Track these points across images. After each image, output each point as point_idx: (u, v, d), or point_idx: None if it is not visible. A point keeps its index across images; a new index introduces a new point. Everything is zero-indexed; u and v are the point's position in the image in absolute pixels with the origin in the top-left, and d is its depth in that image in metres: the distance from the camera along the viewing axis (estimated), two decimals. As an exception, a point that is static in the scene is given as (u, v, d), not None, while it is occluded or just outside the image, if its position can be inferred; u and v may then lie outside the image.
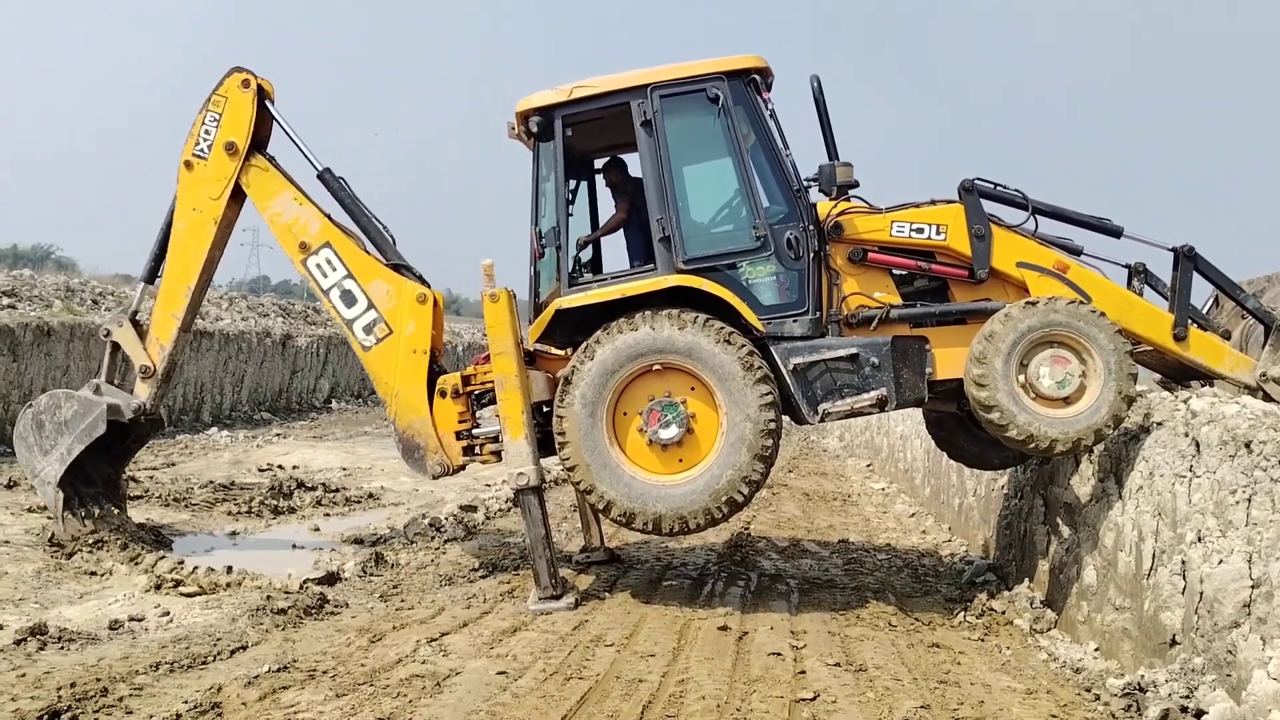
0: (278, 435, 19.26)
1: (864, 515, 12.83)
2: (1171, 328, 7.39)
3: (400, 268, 8.71)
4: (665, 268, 7.52)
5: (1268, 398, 7.08)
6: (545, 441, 7.83)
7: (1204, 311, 7.75)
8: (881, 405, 7.39)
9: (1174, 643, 5.57)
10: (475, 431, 8.18)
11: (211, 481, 12.85)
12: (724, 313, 7.42)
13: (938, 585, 8.70)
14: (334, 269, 8.64)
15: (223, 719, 5.16)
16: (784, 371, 7.39)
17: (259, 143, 8.98)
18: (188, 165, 8.91)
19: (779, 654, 6.48)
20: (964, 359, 7.29)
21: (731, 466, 7.25)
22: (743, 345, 7.26)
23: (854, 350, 7.38)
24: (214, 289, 28.94)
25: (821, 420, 7.45)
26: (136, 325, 9.24)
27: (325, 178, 8.93)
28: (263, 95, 8.90)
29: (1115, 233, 7.57)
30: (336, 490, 12.79)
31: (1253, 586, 4.94)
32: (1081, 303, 7.07)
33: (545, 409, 7.84)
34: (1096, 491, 6.99)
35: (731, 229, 7.79)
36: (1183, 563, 5.56)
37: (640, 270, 7.74)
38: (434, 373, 8.46)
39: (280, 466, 14.86)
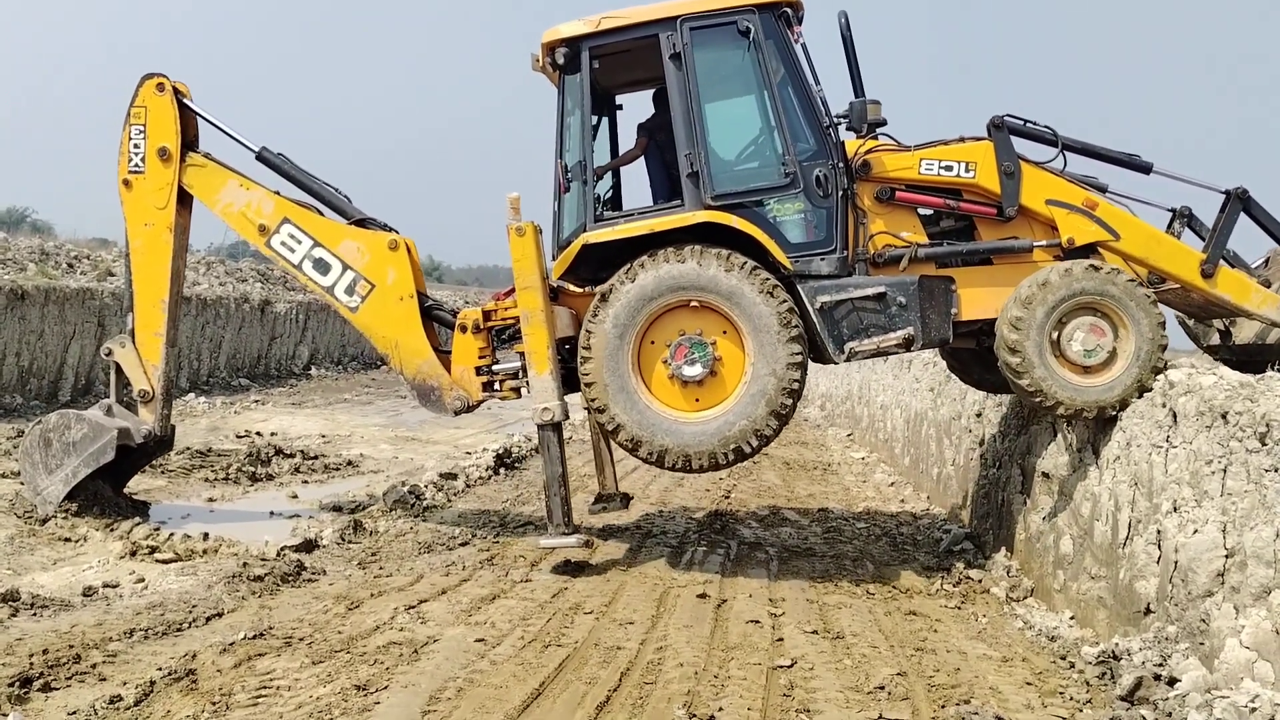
0: (256, 402, 19.15)
1: (844, 484, 12.87)
2: (1200, 264, 7.33)
3: (364, 222, 8.71)
4: (693, 203, 7.45)
5: None
6: (567, 378, 7.83)
7: (1253, 267, 7.65)
8: (908, 344, 7.35)
9: (1148, 611, 5.61)
10: (495, 367, 8.24)
11: (189, 448, 12.74)
12: (751, 250, 7.36)
13: (915, 554, 8.75)
14: (299, 242, 8.62)
15: (197, 686, 5.12)
16: (810, 310, 7.34)
17: (189, 143, 8.92)
18: (126, 184, 8.83)
19: (757, 621, 6.51)
20: (989, 300, 7.32)
21: (746, 417, 7.26)
22: (784, 300, 7.21)
23: (881, 289, 7.32)
24: (192, 253, 28.63)
25: (847, 359, 7.42)
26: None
27: (264, 156, 8.87)
28: (179, 95, 8.82)
29: (1144, 169, 7.51)
30: (315, 457, 12.74)
31: (1227, 556, 4.97)
32: (1141, 283, 7.00)
33: (567, 346, 7.88)
34: (1074, 461, 7.02)
35: (760, 165, 7.72)
36: (1158, 532, 5.59)
37: (667, 206, 7.67)
38: (426, 310, 8.54)
39: (258, 433, 14.78)
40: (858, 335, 7.36)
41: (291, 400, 20.04)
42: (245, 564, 7.47)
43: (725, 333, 7.36)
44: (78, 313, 16.40)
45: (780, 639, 6.20)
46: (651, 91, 8.60)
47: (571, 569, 7.71)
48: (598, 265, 7.72)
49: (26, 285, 15.62)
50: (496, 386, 8.28)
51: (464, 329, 8.30)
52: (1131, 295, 6.90)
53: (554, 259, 7.99)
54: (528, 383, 8.00)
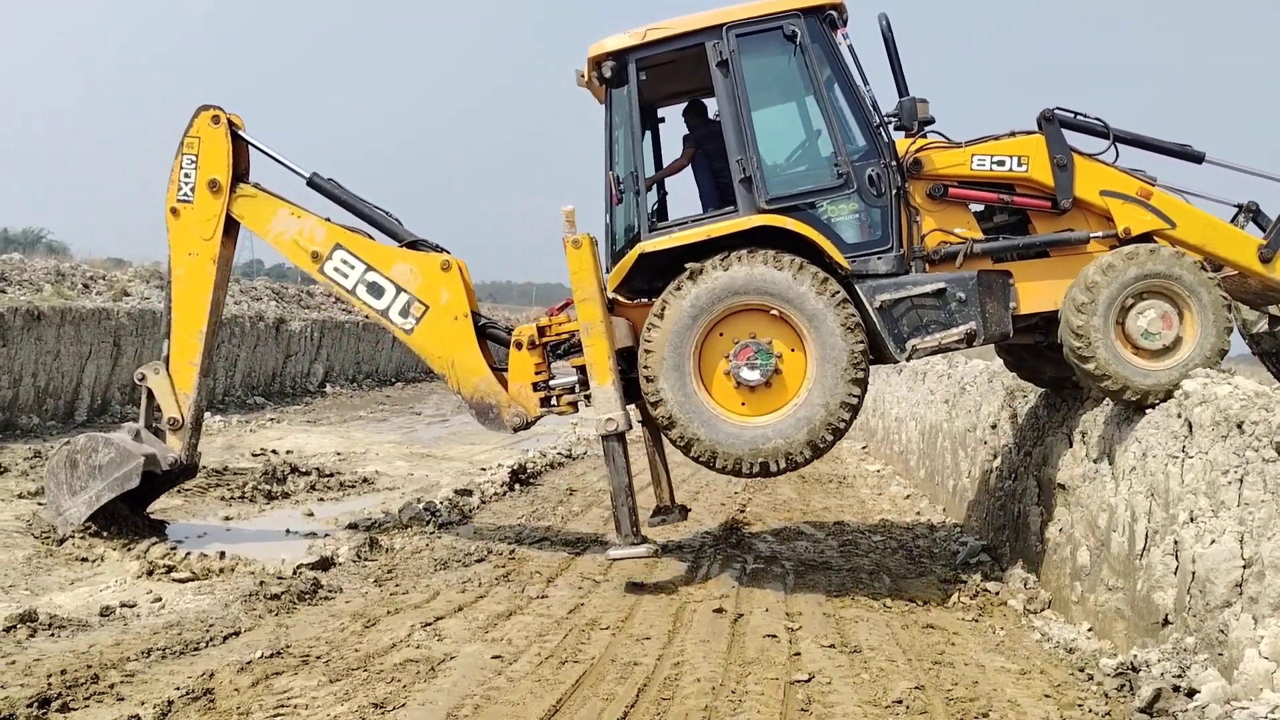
0: (271, 420, 19.22)
1: (859, 497, 12.83)
2: (1259, 249, 7.30)
3: (416, 244, 8.85)
4: (747, 208, 7.48)
5: None
6: (628, 389, 7.86)
7: None
8: (970, 340, 7.36)
9: (1166, 622, 5.57)
10: (553, 383, 8.31)
11: (205, 466, 12.75)
12: (806, 251, 7.38)
13: (932, 566, 8.71)
14: (352, 267, 8.75)
15: (215, 705, 5.15)
16: (870, 309, 7.34)
17: (240, 174, 9.06)
18: (174, 212, 8.96)
19: (774, 636, 6.50)
20: (1048, 293, 7.33)
21: (784, 437, 7.28)
22: (861, 341, 7.21)
23: (941, 285, 7.32)
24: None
25: (909, 358, 7.41)
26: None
27: (315, 182, 9.01)
28: (234, 127, 8.96)
29: (1197, 159, 7.51)
30: (330, 475, 12.77)
31: (1244, 566, 4.94)
32: (1227, 303, 6.88)
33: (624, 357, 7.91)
34: (1090, 472, 6.98)
35: (812, 167, 7.78)
36: (1175, 543, 5.56)
37: (721, 213, 7.69)
38: (481, 329, 8.65)
39: (274, 451, 14.83)
40: (918, 332, 7.36)
41: (306, 418, 20.10)
42: (262, 582, 7.50)
43: (793, 350, 7.36)
44: (93, 333, 16.52)
45: (797, 653, 6.18)
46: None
47: (637, 588, 7.71)
48: (654, 275, 7.74)
49: (43, 306, 15.74)
50: (554, 402, 8.34)
51: (519, 345, 8.38)
52: (1216, 309, 6.80)
53: (608, 271, 8.05)
54: (585, 396, 8.10)
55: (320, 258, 8.79)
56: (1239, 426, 5.19)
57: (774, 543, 9.61)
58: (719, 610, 7.07)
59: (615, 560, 7.83)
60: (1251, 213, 7.58)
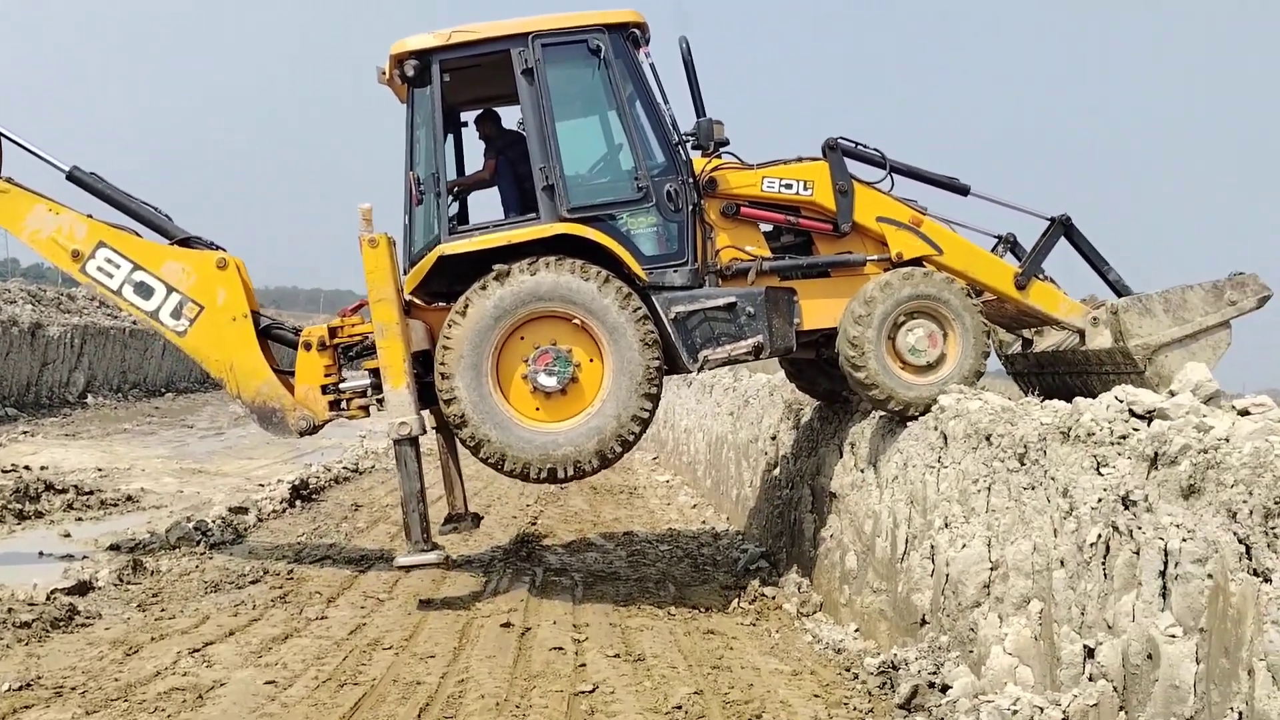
0: (24, 433, 17.76)
1: (649, 507, 13.10)
2: (1014, 276, 7.90)
3: (188, 241, 8.38)
4: (549, 216, 7.49)
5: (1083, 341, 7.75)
6: (423, 392, 7.69)
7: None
8: (757, 352, 7.60)
9: (924, 622, 5.98)
10: (343, 385, 8.04)
11: (-56, 485, 11.65)
12: (605, 261, 7.44)
13: (715, 574, 9.00)
14: (117, 266, 8.21)
15: (-51, 748, 4.70)
16: (665, 320, 7.49)
17: None
18: None
19: (560, 648, 6.53)
20: (828, 310, 7.69)
21: (574, 445, 7.34)
22: (657, 357, 7.33)
23: (732, 300, 7.56)
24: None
25: (701, 368, 7.60)
26: None
27: (76, 176, 8.41)
28: None
29: (962, 190, 8.09)
30: (90, 492, 11.87)
31: (991, 568, 5.37)
32: (986, 329, 7.43)
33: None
34: (858, 481, 7.42)
35: (614, 180, 7.90)
36: (932, 547, 5.98)
37: (522, 219, 7.67)
38: (265, 329, 8.28)
39: (26, 467, 13.66)
40: (710, 344, 7.58)
41: (65, 431, 18.68)
42: (10, 609, 6.88)
43: (592, 360, 7.44)
44: None
45: (583, 664, 6.24)
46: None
47: (425, 604, 7.55)
48: (453, 278, 7.65)
49: None
50: (344, 405, 8.07)
51: (308, 346, 8.07)
52: (977, 332, 7.33)
53: (406, 273, 7.90)
54: (377, 400, 7.89)
55: (82, 256, 8.18)
56: (987, 439, 5.64)
57: (565, 555, 9.67)
58: (507, 624, 7.05)
59: (404, 568, 7.67)
60: (1010, 243, 8.26)
